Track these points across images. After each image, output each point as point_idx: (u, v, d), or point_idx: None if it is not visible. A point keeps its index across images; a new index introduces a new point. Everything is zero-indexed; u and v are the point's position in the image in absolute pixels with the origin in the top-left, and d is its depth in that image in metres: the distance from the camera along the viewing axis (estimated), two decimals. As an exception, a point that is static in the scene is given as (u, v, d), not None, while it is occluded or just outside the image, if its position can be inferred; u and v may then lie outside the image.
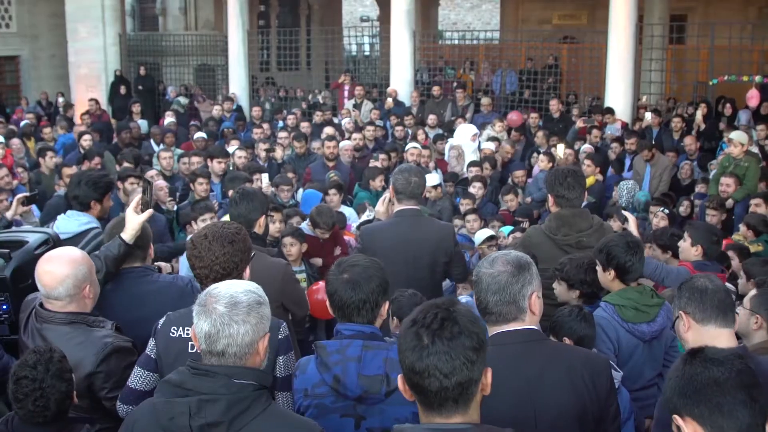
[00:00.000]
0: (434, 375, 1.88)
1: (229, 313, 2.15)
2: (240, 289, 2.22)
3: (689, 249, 4.89)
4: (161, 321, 2.91)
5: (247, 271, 2.91)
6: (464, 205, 7.88)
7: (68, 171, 7.96)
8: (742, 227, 6.60)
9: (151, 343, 2.90)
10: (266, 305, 2.25)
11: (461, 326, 1.92)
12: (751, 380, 1.86)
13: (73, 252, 3.16)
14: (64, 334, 3.02)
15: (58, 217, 4.64)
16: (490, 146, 10.52)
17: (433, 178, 8.04)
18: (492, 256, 2.65)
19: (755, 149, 9.68)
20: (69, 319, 3.04)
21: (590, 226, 4.40)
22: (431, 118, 12.44)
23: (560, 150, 9.68)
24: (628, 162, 10.29)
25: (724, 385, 1.84)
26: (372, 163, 9.42)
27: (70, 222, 4.47)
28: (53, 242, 3.69)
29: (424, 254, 4.41)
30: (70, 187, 4.55)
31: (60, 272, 3.02)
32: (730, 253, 5.74)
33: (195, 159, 8.92)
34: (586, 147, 10.44)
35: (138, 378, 2.89)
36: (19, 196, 5.78)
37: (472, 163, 9.47)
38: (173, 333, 2.84)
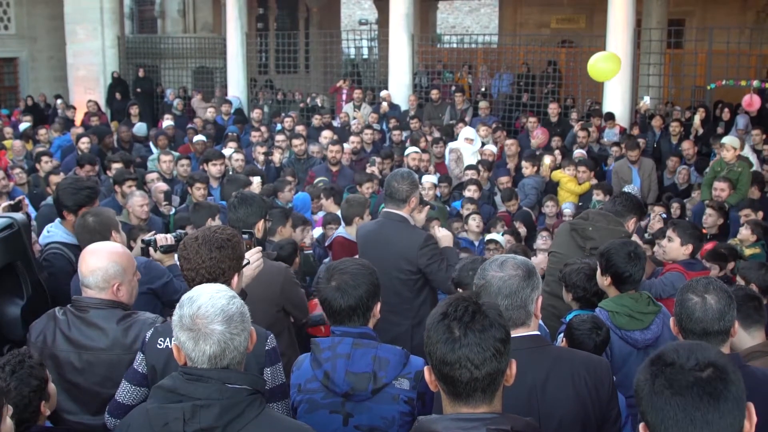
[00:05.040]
0: (465, 366, 1.92)
1: (229, 330, 2.14)
2: (223, 300, 2.18)
3: (678, 248, 4.91)
4: (148, 334, 2.90)
5: (235, 278, 2.88)
6: (467, 209, 7.88)
7: (55, 179, 7.86)
8: (744, 230, 6.57)
9: (139, 357, 2.89)
10: (242, 302, 2.25)
11: (491, 319, 1.97)
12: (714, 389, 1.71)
13: (113, 247, 3.26)
14: (112, 315, 3.08)
15: (48, 226, 4.67)
16: (492, 148, 10.54)
17: (429, 180, 8.07)
18: (500, 258, 2.64)
19: (752, 155, 9.71)
20: (107, 304, 3.10)
21: (608, 225, 4.54)
22: (414, 128, 12.40)
23: (546, 161, 9.70)
24: (612, 165, 10.31)
25: (673, 397, 1.71)
26: (368, 168, 9.43)
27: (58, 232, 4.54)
28: (18, 227, 3.80)
29: (389, 258, 4.40)
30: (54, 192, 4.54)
31: (92, 263, 3.11)
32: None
33: (184, 161, 8.96)
34: (578, 153, 10.44)
35: (125, 392, 2.88)
36: (4, 205, 5.78)
37: (469, 167, 9.48)
38: (160, 344, 2.83)
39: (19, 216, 4.05)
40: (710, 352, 1.76)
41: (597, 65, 6.05)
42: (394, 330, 4.32)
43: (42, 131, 12.18)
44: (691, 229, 5.02)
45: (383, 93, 14.63)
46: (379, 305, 2.92)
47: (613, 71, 5.94)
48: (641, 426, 1.77)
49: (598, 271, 3.79)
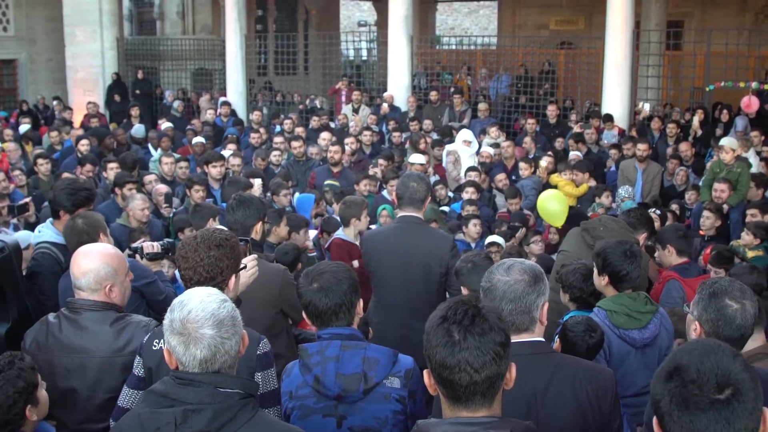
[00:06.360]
0: (465, 370, 1.92)
1: (219, 334, 2.13)
2: (213, 304, 2.18)
3: (662, 252, 5.10)
4: (145, 337, 2.91)
5: (233, 280, 2.88)
6: (467, 211, 7.88)
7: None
8: (746, 235, 6.57)
9: (137, 360, 2.89)
10: (234, 305, 2.25)
11: (491, 322, 1.97)
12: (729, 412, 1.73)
13: (104, 249, 3.26)
14: (105, 318, 3.07)
15: (39, 226, 4.70)
16: (489, 150, 10.54)
17: None
18: (507, 263, 2.63)
19: (756, 157, 9.72)
20: (100, 306, 3.10)
21: (620, 229, 4.60)
22: (426, 123, 12.46)
23: (543, 163, 9.72)
24: (613, 167, 10.33)
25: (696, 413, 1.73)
26: (371, 170, 9.43)
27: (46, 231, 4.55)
28: (8, 251, 3.81)
29: (417, 262, 4.41)
30: (50, 193, 4.64)
31: (84, 265, 3.11)
32: None
33: (183, 163, 8.96)
34: (573, 155, 10.44)
35: (125, 396, 2.89)
36: (4, 206, 5.79)
37: (470, 169, 9.48)
38: (155, 346, 2.83)
39: (9, 239, 4.05)
40: (732, 367, 1.74)
41: (546, 205, 6.32)
42: (417, 336, 4.29)
43: (53, 133, 12.12)
44: (669, 230, 5.26)
45: (385, 95, 14.64)
46: (361, 303, 2.94)
47: (561, 213, 6.28)
48: (654, 421, 1.79)
49: (595, 272, 3.78)
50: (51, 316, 3.17)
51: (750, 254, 6.30)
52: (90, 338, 3.04)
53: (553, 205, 6.25)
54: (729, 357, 1.77)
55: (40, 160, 9.36)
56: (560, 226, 7.07)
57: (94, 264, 3.10)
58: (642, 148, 9.72)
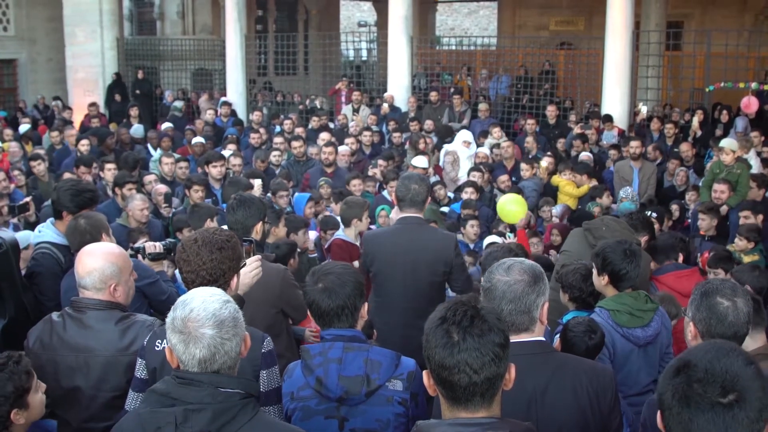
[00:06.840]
0: (464, 371, 1.93)
1: (220, 334, 2.13)
2: (216, 304, 2.18)
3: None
4: (146, 338, 2.91)
5: (235, 279, 2.89)
6: (464, 213, 7.87)
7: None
8: (739, 241, 6.57)
9: (139, 362, 2.89)
10: (237, 307, 2.25)
11: (490, 323, 1.98)
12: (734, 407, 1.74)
13: (109, 248, 3.27)
14: (110, 317, 3.08)
15: (40, 226, 4.71)
16: (485, 151, 10.53)
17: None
18: (507, 263, 2.63)
19: (756, 158, 9.72)
20: (104, 305, 3.10)
21: (622, 230, 4.64)
22: (427, 123, 12.47)
23: (543, 163, 9.72)
24: (612, 167, 10.35)
25: (699, 411, 1.73)
26: (371, 171, 9.43)
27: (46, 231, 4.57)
28: (6, 248, 3.83)
29: (422, 262, 4.43)
30: (53, 193, 4.69)
31: (89, 264, 3.11)
32: None
33: (183, 164, 8.95)
34: (583, 155, 10.46)
35: (131, 401, 2.89)
36: (4, 205, 5.78)
37: (473, 169, 9.47)
38: (158, 346, 2.84)
39: (7, 236, 4.05)
40: (743, 373, 1.73)
41: (506, 207, 6.47)
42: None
43: (54, 133, 12.06)
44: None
45: (385, 95, 14.64)
46: (366, 306, 2.94)
47: (519, 213, 6.44)
48: (658, 414, 1.81)
49: (594, 272, 3.79)
50: (55, 315, 3.17)
51: (746, 259, 6.31)
52: (95, 337, 3.04)
53: (512, 207, 6.42)
54: (742, 363, 1.76)
55: (32, 162, 9.23)
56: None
57: (99, 263, 3.11)
58: (635, 145, 9.73)
